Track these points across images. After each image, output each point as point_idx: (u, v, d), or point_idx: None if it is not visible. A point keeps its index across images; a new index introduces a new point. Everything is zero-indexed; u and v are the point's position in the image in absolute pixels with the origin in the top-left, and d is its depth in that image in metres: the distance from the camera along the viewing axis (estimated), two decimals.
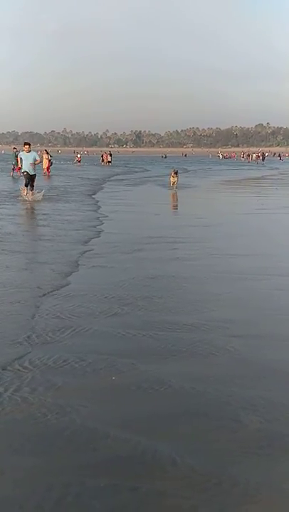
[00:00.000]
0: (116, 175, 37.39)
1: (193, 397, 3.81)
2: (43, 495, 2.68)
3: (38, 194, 17.62)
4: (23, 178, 18.20)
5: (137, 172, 43.36)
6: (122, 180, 31.86)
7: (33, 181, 17.83)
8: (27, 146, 18.04)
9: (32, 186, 17.76)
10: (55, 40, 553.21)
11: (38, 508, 2.59)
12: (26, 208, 15.83)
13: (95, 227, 12.00)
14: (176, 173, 24.07)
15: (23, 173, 17.86)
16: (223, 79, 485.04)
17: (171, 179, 23.94)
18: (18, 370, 4.19)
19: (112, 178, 32.84)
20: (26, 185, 17.60)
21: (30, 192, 17.49)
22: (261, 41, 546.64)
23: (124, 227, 12.17)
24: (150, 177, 35.21)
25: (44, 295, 6.35)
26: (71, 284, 6.90)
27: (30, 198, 17.15)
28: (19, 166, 18.76)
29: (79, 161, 57.63)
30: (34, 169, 17.91)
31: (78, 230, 11.47)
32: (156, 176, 35.56)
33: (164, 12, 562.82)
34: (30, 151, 17.97)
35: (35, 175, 18.04)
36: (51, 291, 6.52)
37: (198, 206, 17.17)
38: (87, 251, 9.14)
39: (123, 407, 3.66)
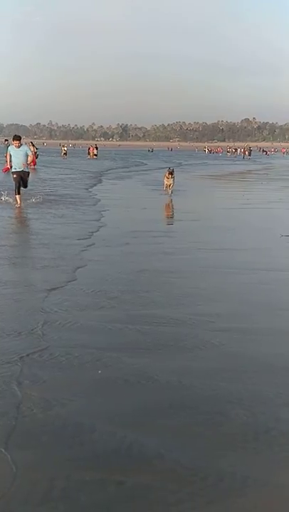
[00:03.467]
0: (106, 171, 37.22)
1: (180, 390, 3.82)
2: (29, 489, 2.66)
3: (33, 200, 15.28)
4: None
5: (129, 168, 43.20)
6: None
7: (26, 180, 14.93)
8: (17, 141, 14.89)
9: (25, 184, 14.98)
10: (43, 35, 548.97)
11: (24, 503, 2.57)
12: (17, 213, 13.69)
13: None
14: (171, 173, 18.54)
15: (13, 174, 14.79)
16: (210, 73, 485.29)
17: (166, 181, 18.61)
18: (4, 364, 4.16)
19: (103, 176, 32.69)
20: (18, 192, 14.55)
21: (18, 196, 14.58)
22: (250, 36, 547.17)
23: (112, 221, 12.13)
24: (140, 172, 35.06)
25: (30, 288, 6.32)
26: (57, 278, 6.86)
27: (20, 203, 14.43)
28: (7, 165, 15.32)
29: (65, 154, 57.25)
30: (26, 166, 15.07)
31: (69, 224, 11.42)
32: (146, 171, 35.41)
33: (152, 5, 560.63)
34: (20, 145, 14.98)
35: (28, 172, 15.19)
36: (38, 285, 6.49)
37: (184, 200, 17.15)
38: (72, 245, 9.10)
39: (109, 401, 3.65)
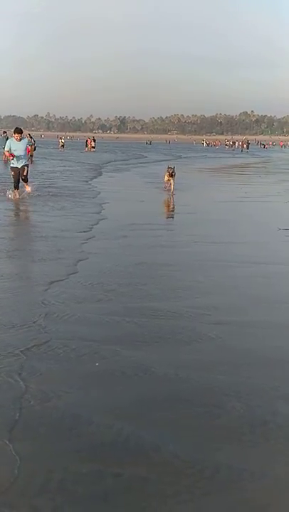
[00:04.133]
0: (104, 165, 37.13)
1: (177, 383, 3.82)
2: (26, 481, 2.67)
3: (28, 190, 14.73)
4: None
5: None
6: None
7: (25, 173, 14.39)
8: (18, 134, 14.18)
9: (25, 178, 14.53)
10: (38, 23, 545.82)
11: (21, 494, 2.58)
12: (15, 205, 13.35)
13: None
14: (171, 174, 16.88)
15: (11, 170, 14.41)
16: (209, 66, 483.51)
17: (166, 180, 17.17)
18: (2, 356, 4.16)
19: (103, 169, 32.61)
20: (16, 187, 14.28)
21: (25, 185, 14.59)
22: (247, 30, 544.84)
23: (111, 214, 12.11)
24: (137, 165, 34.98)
25: (27, 282, 6.32)
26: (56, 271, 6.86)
27: (17, 196, 14.12)
28: (6, 153, 14.54)
29: (62, 146, 57.17)
30: (26, 159, 14.77)
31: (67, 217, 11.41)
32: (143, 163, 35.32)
33: (152, 3, 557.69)
34: (21, 139, 14.40)
35: (27, 165, 14.65)
36: (36, 279, 6.49)
37: (182, 194, 17.12)
38: (71, 237, 9.09)
39: (107, 393, 3.66)
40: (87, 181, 20.44)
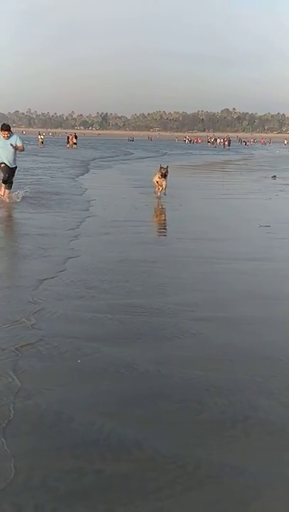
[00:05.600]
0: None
1: (159, 379, 3.83)
2: (8, 478, 2.66)
3: (18, 194, 13.57)
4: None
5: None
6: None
7: (13, 175, 13.18)
8: (5, 132, 12.70)
9: (10, 183, 13.18)
10: (22, 19, 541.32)
11: (2, 492, 2.57)
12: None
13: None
14: (164, 175, 14.37)
15: (0, 165, 12.79)
16: (190, 63, 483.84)
17: (157, 181, 14.55)
18: None
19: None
20: (5, 182, 12.97)
21: (7, 191, 13.12)
22: (230, 26, 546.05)
23: (96, 212, 12.07)
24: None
25: (11, 280, 6.28)
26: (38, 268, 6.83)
27: (6, 198, 12.98)
28: None
29: (42, 143, 57.06)
30: (15, 160, 13.09)
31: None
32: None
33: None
34: (9, 136, 12.75)
35: (16, 167, 13.21)
36: (18, 275, 6.45)
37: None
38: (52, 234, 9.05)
39: (88, 390, 3.65)
40: (73, 178, 20.37)
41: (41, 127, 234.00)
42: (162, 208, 13.07)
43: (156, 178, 14.57)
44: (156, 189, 14.67)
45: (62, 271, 6.61)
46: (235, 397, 3.60)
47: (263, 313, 5.41)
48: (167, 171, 14.45)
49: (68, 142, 57.54)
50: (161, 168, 14.41)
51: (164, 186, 14.53)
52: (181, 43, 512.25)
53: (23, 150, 13.33)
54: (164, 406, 3.47)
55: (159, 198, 14.43)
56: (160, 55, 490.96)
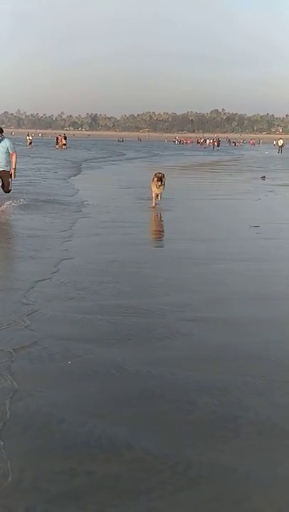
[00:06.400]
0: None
1: (149, 380, 3.84)
2: (5, 481, 2.65)
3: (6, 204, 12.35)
4: None
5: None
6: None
7: (8, 182, 12.15)
8: None
9: (8, 188, 12.20)
10: (11, 21, 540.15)
11: None
12: None
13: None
14: (160, 179, 13.09)
15: None
16: (180, 63, 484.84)
17: (155, 188, 13.22)
18: None
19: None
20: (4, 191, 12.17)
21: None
22: (220, 26, 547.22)
23: (88, 213, 12.06)
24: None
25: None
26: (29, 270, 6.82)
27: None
28: None
29: (30, 144, 56.96)
30: (8, 163, 12.01)
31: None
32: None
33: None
34: (1, 139, 11.91)
35: (9, 172, 12.09)
36: (11, 277, 6.44)
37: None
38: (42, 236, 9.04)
39: (79, 391, 3.66)
40: (65, 179, 20.32)
41: (30, 128, 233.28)
42: (153, 211, 13.04)
43: (154, 187, 13.12)
44: (153, 198, 13.23)
45: (55, 272, 6.60)
46: (226, 397, 3.61)
47: (254, 314, 5.43)
48: (163, 176, 13.13)
49: (57, 143, 57.40)
50: (156, 174, 13.21)
51: (160, 193, 13.22)
52: (169, 43, 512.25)
53: (15, 157, 12.21)
54: (155, 407, 3.48)
55: (154, 208, 12.91)
56: (150, 55, 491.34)
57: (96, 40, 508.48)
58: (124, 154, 47.44)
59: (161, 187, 13.12)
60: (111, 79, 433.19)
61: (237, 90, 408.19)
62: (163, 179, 13.05)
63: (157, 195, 13.26)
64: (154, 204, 13.08)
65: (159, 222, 11.24)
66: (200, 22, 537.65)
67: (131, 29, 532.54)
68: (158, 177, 12.99)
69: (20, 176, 15.06)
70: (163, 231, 9.99)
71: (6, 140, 12.01)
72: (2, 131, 11.97)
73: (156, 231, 9.98)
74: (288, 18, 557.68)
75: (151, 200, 13.18)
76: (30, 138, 60.54)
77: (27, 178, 19.33)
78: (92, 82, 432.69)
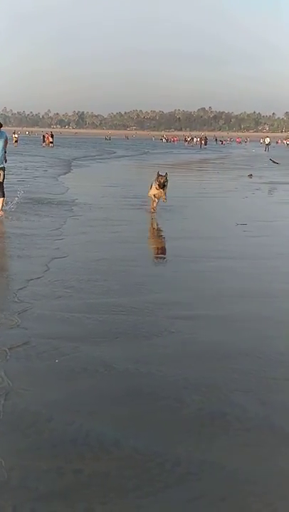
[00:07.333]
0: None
1: (137, 378, 3.84)
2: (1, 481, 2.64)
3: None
4: None
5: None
6: None
7: (2, 183, 11.09)
8: None
9: (2, 190, 11.11)
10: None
11: None
12: None
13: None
14: (163, 183, 11.38)
15: None
16: (167, 61, 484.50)
17: (155, 194, 11.56)
18: None
19: None
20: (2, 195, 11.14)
21: (1, 200, 11.07)
22: (207, 25, 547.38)
23: (76, 212, 12.02)
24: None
25: None
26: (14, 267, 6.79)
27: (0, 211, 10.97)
28: None
29: (16, 142, 56.62)
30: (4, 159, 11.12)
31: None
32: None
33: None
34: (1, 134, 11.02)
35: (3, 169, 11.16)
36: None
37: (141, 190, 17.14)
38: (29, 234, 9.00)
39: (67, 389, 3.65)
40: (55, 177, 20.22)
41: (17, 126, 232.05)
42: (138, 207, 13.04)
43: (154, 191, 11.52)
44: (152, 203, 11.72)
45: (46, 271, 6.57)
46: (213, 394, 3.62)
47: (241, 311, 5.45)
48: (166, 180, 11.44)
49: (44, 141, 57.19)
50: (159, 176, 11.50)
51: (163, 196, 11.55)
52: (151, 40, 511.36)
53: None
54: (143, 404, 3.48)
55: (152, 212, 11.63)
56: (138, 54, 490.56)
57: (85, 41, 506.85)
58: (115, 152, 47.44)
59: (164, 190, 11.42)
60: (99, 77, 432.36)
61: (224, 88, 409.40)
62: (166, 183, 11.39)
63: (158, 200, 11.61)
64: (153, 207, 11.64)
65: (147, 220, 11.21)
66: (186, 23, 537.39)
67: (117, 29, 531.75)
68: (160, 182, 11.30)
69: (10, 174, 14.93)
70: (151, 229, 9.98)
71: (3, 133, 11.09)
72: (1, 126, 11.01)
73: (144, 229, 9.96)
74: (272, 11, 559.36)
75: (151, 205, 11.72)
76: (16, 136, 60.17)
77: (17, 177, 19.22)
78: (80, 81, 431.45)
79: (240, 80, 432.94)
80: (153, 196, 11.59)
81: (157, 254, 7.93)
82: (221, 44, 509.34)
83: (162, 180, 11.27)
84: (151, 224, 10.67)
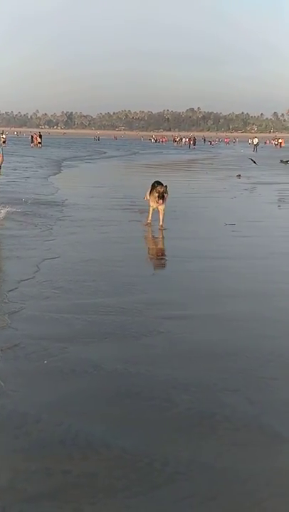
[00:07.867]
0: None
1: (126, 378, 3.85)
2: None
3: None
4: None
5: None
6: None
7: None
8: None
9: None
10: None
11: None
12: None
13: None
14: (162, 195, 10.18)
15: None
16: (155, 62, 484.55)
17: (153, 203, 10.36)
18: None
19: None
20: None
21: None
22: (196, 25, 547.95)
23: (65, 211, 11.99)
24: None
25: None
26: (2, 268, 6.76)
27: None
28: None
29: (4, 142, 56.43)
30: None
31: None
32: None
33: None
34: None
35: None
36: None
37: (129, 190, 17.13)
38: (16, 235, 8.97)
39: (55, 390, 3.64)
40: (45, 177, 20.14)
41: (5, 126, 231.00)
42: (126, 208, 13.02)
43: (152, 202, 10.38)
44: (150, 213, 10.51)
45: (37, 271, 6.55)
46: (202, 394, 3.63)
47: (229, 311, 5.47)
48: (166, 191, 10.32)
49: (33, 141, 56.99)
50: (157, 187, 10.37)
51: (161, 214, 10.27)
52: (141, 40, 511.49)
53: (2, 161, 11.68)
54: (132, 404, 3.49)
55: (148, 225, 10.41)
56: (127, 54, 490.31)
57: (80, 43, 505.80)
58: (105, 153, 47.43)
59: (163, 204, 10.21)
60: (88, 79, 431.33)
61: (213, 89, 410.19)
62: (165, 195, 10.23)
63: (155, 210, 10.37)
64: (149, 220, 10.47)
65: (136, 220, 11.20)
66: (174, 23, 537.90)
67: (108, 30, 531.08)
68: (159, 192, 10.17)
69: None
70: (139, 229, 9.97)
71: None
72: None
73: (133, 230, 9.95)
74: (261, 8, 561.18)
75: (147, 220, 10.50)
76: (4, 136, 59.94)
77: (7, 178, 19.12)
78: (71, 82, 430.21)
79: (233, 80, 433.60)
80: (150, 206, 10.50)
81: (145, 254, 7.92)
82: (218, 44, 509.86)
83: (161, 191, 10.18)
84: (139, 225, 10.66)
